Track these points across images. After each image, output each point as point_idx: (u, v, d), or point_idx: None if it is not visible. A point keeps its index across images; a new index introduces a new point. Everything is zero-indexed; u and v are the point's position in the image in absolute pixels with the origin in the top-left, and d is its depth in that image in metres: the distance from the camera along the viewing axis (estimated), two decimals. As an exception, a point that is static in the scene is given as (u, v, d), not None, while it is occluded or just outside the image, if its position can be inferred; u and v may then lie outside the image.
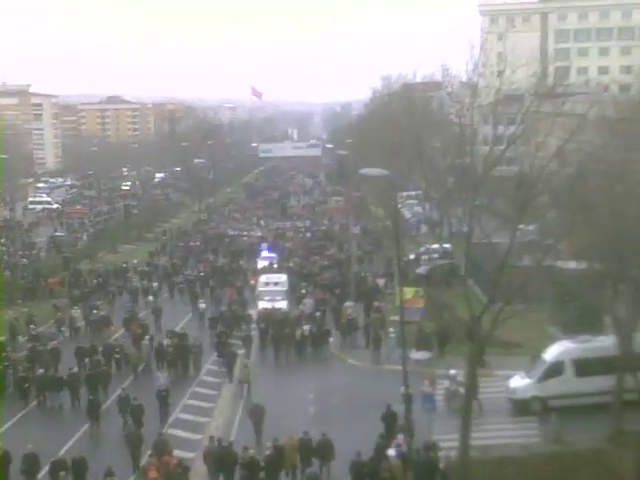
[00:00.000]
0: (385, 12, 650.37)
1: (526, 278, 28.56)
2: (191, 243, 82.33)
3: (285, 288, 56.27)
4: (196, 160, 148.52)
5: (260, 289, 56.44)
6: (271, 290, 55.49)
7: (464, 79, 67.40)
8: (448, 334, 43.18)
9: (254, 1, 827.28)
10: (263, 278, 58.23)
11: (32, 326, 50.19)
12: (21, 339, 48.30)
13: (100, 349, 44.51)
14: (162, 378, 39.27)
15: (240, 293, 59.04)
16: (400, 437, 29.30)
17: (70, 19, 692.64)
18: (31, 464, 29.79)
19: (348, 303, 52.10)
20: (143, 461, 29.88)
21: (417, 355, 41.26)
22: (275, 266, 66.27)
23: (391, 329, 45.65)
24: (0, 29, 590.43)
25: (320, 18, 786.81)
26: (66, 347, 46.35)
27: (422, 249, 66.57)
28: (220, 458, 29.66)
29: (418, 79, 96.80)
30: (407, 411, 30.39)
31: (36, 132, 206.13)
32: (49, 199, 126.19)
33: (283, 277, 58.40)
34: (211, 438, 30.96)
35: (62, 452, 31.59)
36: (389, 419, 32.16)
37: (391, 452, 28.92)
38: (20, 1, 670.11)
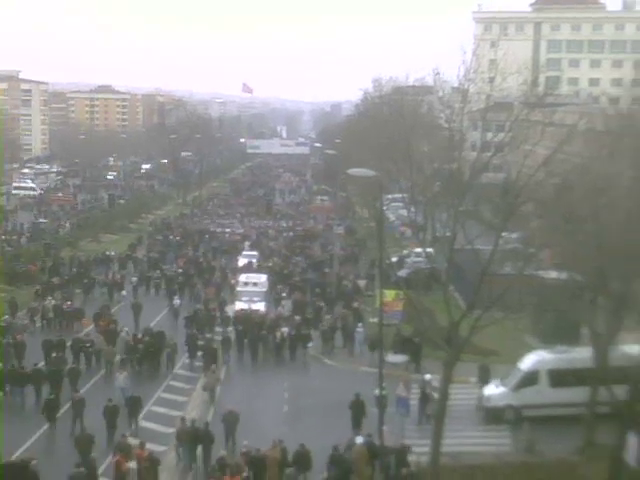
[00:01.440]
0: (380, 15, 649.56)
1: (506, 286, 28.49)
2: (170, 237, 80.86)
3: (264, 289, 55.41)
4: (183, 153, 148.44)
5: (239, 289, 55.56)
6: (250, 290, 54.50)
7: (455, 84, 67.59)
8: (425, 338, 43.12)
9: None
10: (242, 277, 57.34)
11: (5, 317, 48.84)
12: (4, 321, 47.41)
13: (69, 344, 43.08)
14: (121, 379, 37.39)
15: (218, 292, 57.69)
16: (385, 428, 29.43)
17: (64, 6, 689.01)
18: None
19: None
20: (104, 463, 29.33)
21: (393, 358, 41.15)
22: (256, 265, 65.07)
23: (359, 324, 46.32)
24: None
25: (316, 18, 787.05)
26: (36, 339, 45.01)
27: (405, 252, 66.43)
28: (194, 436, 30.11)
29: (409, 82, 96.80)
30: (380, 413, 30.27)
31: (24, 118, 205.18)
32: (33, 185, 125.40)
33: (263, 277, 57.54)
34: (182, 419, 31.47)
35: (18, 452, 30.14)
36: (356, 407, 32.75)
37: (359, 439, 29.29)
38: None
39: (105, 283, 59.98)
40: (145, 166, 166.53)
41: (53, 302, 52.10)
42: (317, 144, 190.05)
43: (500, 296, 28.23)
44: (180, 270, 63.68)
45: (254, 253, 70.02)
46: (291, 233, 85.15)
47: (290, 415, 36.23)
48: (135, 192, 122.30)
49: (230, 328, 47.21)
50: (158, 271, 63.55)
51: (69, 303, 52.12)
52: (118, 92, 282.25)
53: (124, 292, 58.44)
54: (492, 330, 29.43)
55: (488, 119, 37.70)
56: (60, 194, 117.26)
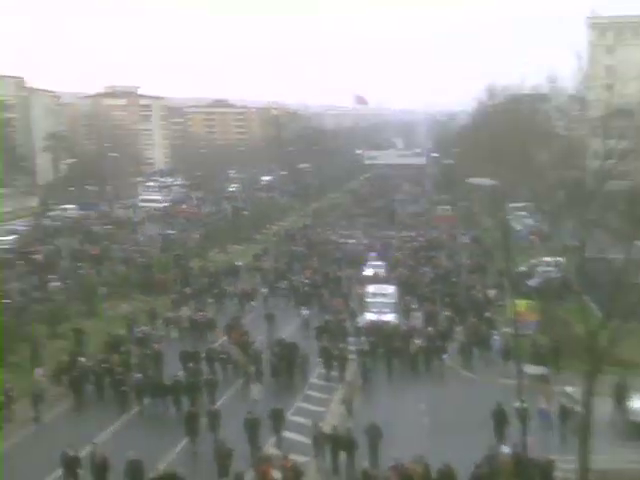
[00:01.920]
0: (490, 26, 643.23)
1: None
2: (294, 248, 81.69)
3: (394, 300, 55.10)
4: (301, 165, 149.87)
5: (368, 300, 55.18)
6: (379, 302, 54.17)
7: (572, 92, 66.69)
8: (562, 349, 42.52)
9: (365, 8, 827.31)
10: (371, 289, 56.96)
11: (139, 327, 50.03)
12: (137, 333, 48.70)
13: (203, 354, 43.86)
14: (256, 391, 38.19)
15: (346, 302, 57.70)
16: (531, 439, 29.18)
17: (178, 24, 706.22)
18: (135, 472, 28.95)
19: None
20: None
21: (531, 369, 40.59)
22: (382, 276, 64.93)
23: (495, 332, 46.09)
24: (111, 32, 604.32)
25: (426, 30, 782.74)
26: (172, 349, 45.79)
27: (534, 261, 65.51)
28: (336, 442, 30.45)
29: (524, 90, 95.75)
30: (523, 425, 29.96)
31: (145, 133, 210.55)
32: (159, 197, 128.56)
33: (391, 288, 57.30)
34: (315, 424, 32.16)
35: (160, 465, 30.10)
36: (499, 417, 32.58)
37: (504, 449, 29.09)
38: (134, 4, 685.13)
39: (235, 294, 60.97)
40: (265, 178, 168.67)
41: (188, 312, 53.48)
42: (434, 154, 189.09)
43: (637, 306, 27.70)
44: (307, 281, 64.07)
45: (380, 264, 69.84)
46: (415, 243, 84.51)
47: (430, 428, 35.93)
48: (257, 204, 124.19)
49: (363, 339, 47.04)
50: (286, 282, 64.08)
51: (202, 313, 53.09)
52: (234, 106, 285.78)
53: (254, 303, 59.26)
54: (631, 342, 28.89)
55: (609, 126, 37.18)
56: (185, 206, 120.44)
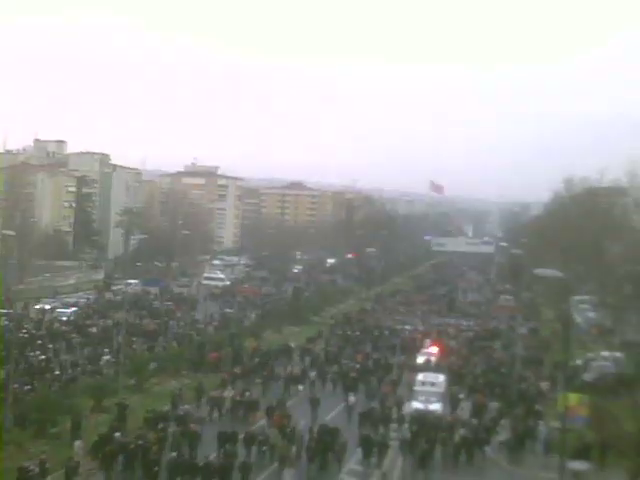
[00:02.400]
0: (568, 121, 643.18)
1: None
2: (348, 332, 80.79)
3: (442, 389, 54.15)
4: (368, 249, 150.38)
5: (415, 388, 54.41)
6: (427, 390, 53.30)
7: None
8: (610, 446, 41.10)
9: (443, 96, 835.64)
10: (420, 377, 56.29)
11: (183, 405, 49.29)
12: (182, 410, 47.92)
13: (241, 436, 42.67)
14: (288, 477, 37.31)
15: (395, 389, 56.72)
16: None
17: (261, 109, 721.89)
18: None
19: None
20: None
21: (576, 465, 39.27)
22: (433, 364, 64.22)
23: (540, 422, 45.06)
24: (198, 113, 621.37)
25: (502, 126, 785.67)
26: (213, 429, 44.66)
27: (591, 355, 64.11)
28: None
29: (603, 184, 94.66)
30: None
31: (219, 212, 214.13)
32: (222, 276, 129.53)
33: (441, 377, 56.51)
34: None
35: None
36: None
37: None
38: (215, 91, 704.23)
39: (283, 376, 60.10)
40: (330, 260, 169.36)
41: (232, 392, 52.51)
42: (503, 243, 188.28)
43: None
44: (357, 366, 63.07)
45: (433, 351, 69.02)
46: (470, 332, 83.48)
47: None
48: (318, 286, 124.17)
49: (406, 427, 46.01)
50: (336, 366, 63.27)
51: (247, 394, 52.11)
52: (309, 189, 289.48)
53: (300, 386, 58.24)
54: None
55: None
56: (246, 285, 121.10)
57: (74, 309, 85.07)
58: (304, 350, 70.55)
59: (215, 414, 50.31)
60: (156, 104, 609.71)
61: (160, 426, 43.61)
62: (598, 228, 70.11)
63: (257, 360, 64.83)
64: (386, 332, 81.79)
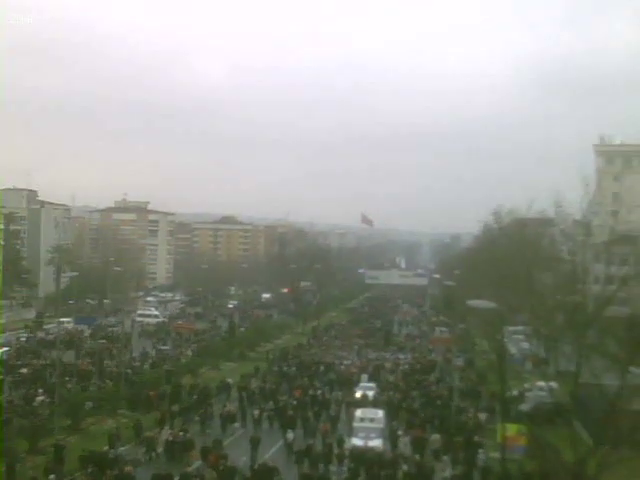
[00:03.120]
0: (496, 153, 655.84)
1: (636, 423, 27.46)
2: (285, 368, 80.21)
3: (381, 425, 53.86)
4: (303, 283, 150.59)
5: (355, 424, 53.93)
6: (366, 426, 52.89)
7: (577, 217, 67.17)
8: (549, 475, 41.62)
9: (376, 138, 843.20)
10: (359, 413, 55.71)
11: (120, 445, 48.70)
12: (115, 452, 46.88)
13: (177, 478, 41.67)
14: None
15: (334, 426, 56.30)
16: None
17: (190, 144, 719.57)
18: None
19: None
20: None
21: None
22: (372, 399, 63.67)
23: (480, 451, 45.63)
24: (127, 150, 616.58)
25: (436, 161, 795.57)
26: (149, 471, 43.85)
27: (527, 386, 64.85)
28: None
29: (531, 214, 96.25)
30: None
31: (150, 247, 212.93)
32: (157, 313, 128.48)
33: (380, 413, 56.03)
34: None
35: None
36: None
37: None
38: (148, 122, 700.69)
39: (220, 414, 59.08)
40: (265, 295, 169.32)
41: (168, 432, 51.63)
42: (435, 275, 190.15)
43: (630, 433, 27.22)
44: (295, 402, 62.33)
45: (371, 386, 68.81)
46: (407, 366, 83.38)
47: None
48: (254, 321, 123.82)
49: (345, 465, 45.73)
50: (271, 402, 62.54)
51: (181, 434, 51.10)
52: (241, 223, 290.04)
53: (237, 424, 57.99)
54: (622, 469, 28.16)
55: (612, 252, 37.26)
56: (181, 322, 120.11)
57: (5, 349, 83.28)
58: (240, 387, 69.58)
59: (151, 454, 49.32)
60: (84, 140, 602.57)
61: (90, 470, 42.50)
62: (528, 258, 71.03)
63: (195, 397, 64.16)
64: (322, 367, 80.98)
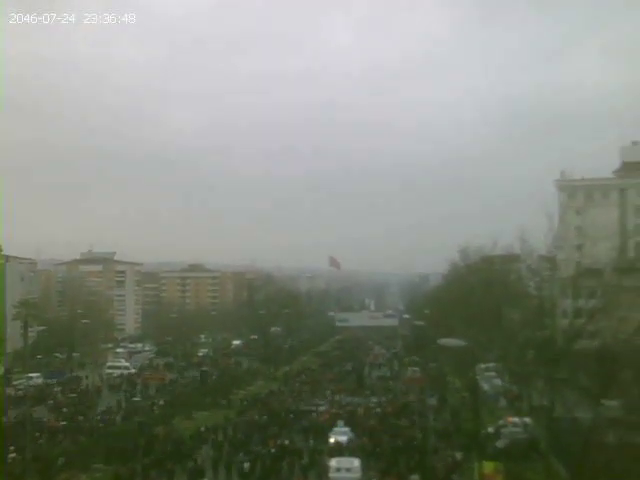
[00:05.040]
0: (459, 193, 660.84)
1: (611, 456, 27.64)
2: (256, 417, 77.94)
3: (357, 475, 52.70)
4: (273, 328, 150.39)
5: (331, 475, 52.87)
6: (342, 477, 52.08)
7: (543, 252, 67.98)
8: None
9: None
10: (333, 462, 54.35)
11: None
12: None
13: None
14: None
15: (306, 477, 54.89)
16: None
17: (158, 192, 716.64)
18: None
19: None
20: None
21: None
22: (346, 446, 62.09)
23: None
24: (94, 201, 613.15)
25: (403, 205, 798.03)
26: None
27: (501, 422, 64.84)
28: None
29: (496, 251, 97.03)
30: None
31: (118, 298, 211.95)
32: (127, 364, 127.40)
33: (355, 462, 54.41)
34: None
35: None
36: None
37: None
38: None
39: (188, 468, 56.91)
40: (235, 342, 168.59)
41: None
42: (405, 315, 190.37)
43: (605, 466, 27.38)
44: (264, 452, 60.36)
45: (345, 431, 66.97)
46: (379, 410, 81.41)
47: None
48: (224, 369, 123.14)
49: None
50: (242, 454, 60.22)
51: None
52: (209, 270, 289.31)
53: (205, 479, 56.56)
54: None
55: (579, 286, 37.65)
56: (151, 372, 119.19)
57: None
58: (208, 439, 67.89)
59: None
60: (47, 192, 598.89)
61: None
62: (496, 295, 71.66)
63: (169, 448, 63.45)
64: (292, 415, 78.99)
